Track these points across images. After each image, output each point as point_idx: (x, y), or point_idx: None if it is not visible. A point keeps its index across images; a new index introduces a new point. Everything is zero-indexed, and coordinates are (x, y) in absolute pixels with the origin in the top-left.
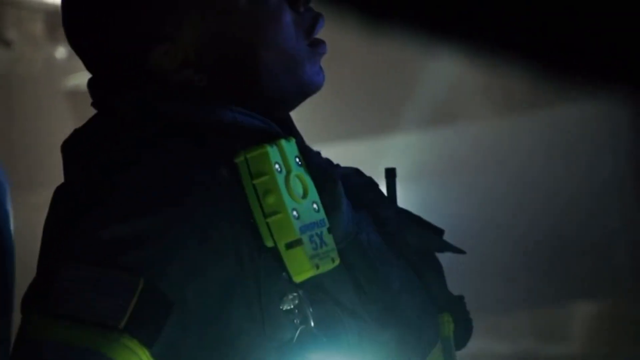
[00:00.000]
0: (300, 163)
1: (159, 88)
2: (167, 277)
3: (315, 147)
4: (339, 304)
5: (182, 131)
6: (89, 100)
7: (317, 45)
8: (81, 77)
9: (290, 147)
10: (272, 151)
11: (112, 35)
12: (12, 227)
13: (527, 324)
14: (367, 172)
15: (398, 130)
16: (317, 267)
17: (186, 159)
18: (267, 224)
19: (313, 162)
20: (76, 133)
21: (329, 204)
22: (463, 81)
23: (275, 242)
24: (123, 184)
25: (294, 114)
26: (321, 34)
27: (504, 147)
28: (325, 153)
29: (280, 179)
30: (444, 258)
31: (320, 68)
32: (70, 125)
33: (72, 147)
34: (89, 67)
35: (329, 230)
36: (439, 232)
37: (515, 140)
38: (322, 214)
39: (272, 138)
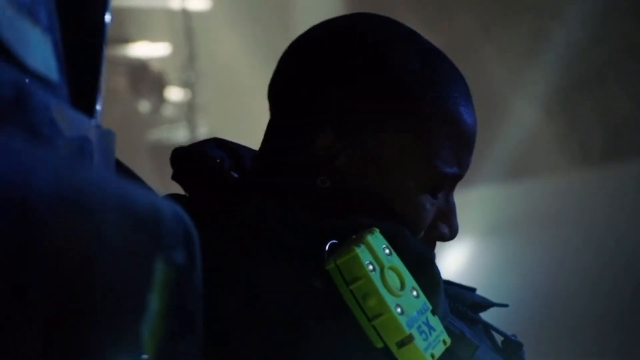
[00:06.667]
0: (389, 252)
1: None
2: None
3: None
4: None
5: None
6: (169, 153)
7: (432, 242)
8: (163, 131)
9: (375, 239)
10: (361, 252)
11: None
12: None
13: None
14: None
15: (476, 183)
16: (433, 356)
17: (288, 279)
18: (374, 326)
19: (407, 247)
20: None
21: (427, 286)
22: (539, 133)
23: (385, 343)
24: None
25: None
26: None
27: (582, 199)
28: None
29: (376, 278)
30: (526, 308)
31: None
32: (151, 178)
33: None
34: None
35: (433, 312)
36: (472, 290)
37: (591, 192)
38: (422, 298)
39: (350, 231)
